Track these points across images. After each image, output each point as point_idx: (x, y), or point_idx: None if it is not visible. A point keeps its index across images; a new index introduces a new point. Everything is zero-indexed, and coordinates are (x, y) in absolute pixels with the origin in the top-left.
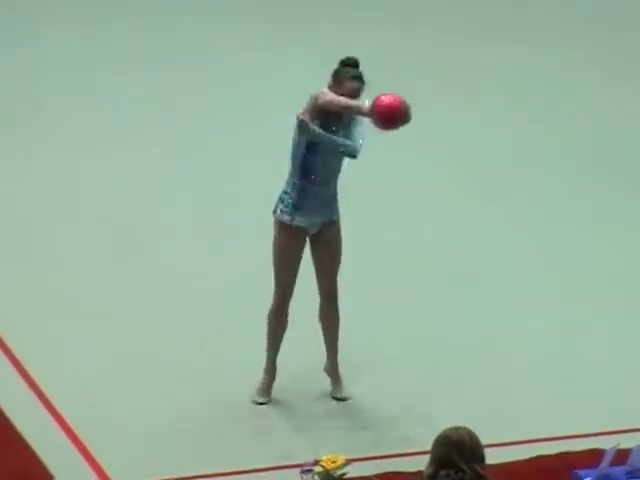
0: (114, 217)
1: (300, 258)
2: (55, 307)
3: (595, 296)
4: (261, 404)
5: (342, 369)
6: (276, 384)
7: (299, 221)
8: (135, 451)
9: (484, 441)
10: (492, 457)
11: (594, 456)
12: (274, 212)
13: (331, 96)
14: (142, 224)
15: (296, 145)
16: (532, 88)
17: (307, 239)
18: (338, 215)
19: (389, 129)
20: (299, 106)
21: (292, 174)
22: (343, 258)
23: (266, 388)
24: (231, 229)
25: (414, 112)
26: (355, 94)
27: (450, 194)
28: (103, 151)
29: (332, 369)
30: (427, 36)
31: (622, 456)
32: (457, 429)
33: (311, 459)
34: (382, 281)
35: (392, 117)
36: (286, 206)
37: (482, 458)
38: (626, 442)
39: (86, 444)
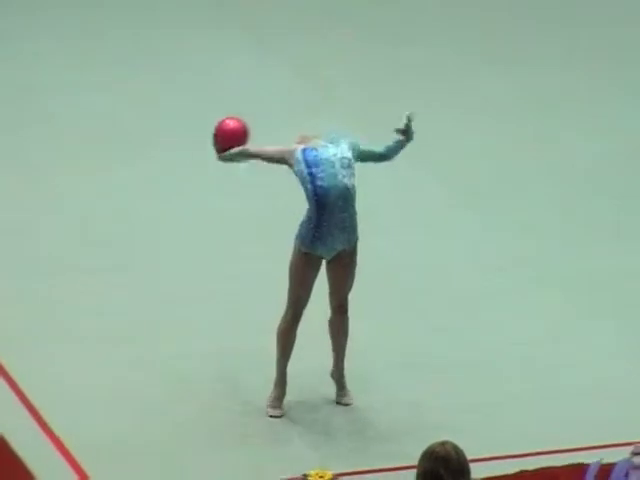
0: (109, 232)
1: (314, 281)
2: (47, 321)
3: (585, 312)
4: (275, 417)
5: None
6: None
7: (317, 250)
8: (133, 466)
9: (468, 455)
10: (476, 471)
11: (577, 471)
12: (295, 237)
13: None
14: (139, 238)
15: (299, 178)
16: (531, 110)
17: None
18: (357, 240)
19: (226, 149)
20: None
21: (309, 209)
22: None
23: (278, 401)
24: (230, 243)
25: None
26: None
27: (449, 213)
28: (99, 164)
29: (338, 377)
30: (420, 56)
31: (606, 471)
32: (443, 444)
33: (299, 474)
34: (383, 296)
35: (236, 139)
36: (305, 235)
37: (468, 472)
38: (610, 457)
39: (82, 462)
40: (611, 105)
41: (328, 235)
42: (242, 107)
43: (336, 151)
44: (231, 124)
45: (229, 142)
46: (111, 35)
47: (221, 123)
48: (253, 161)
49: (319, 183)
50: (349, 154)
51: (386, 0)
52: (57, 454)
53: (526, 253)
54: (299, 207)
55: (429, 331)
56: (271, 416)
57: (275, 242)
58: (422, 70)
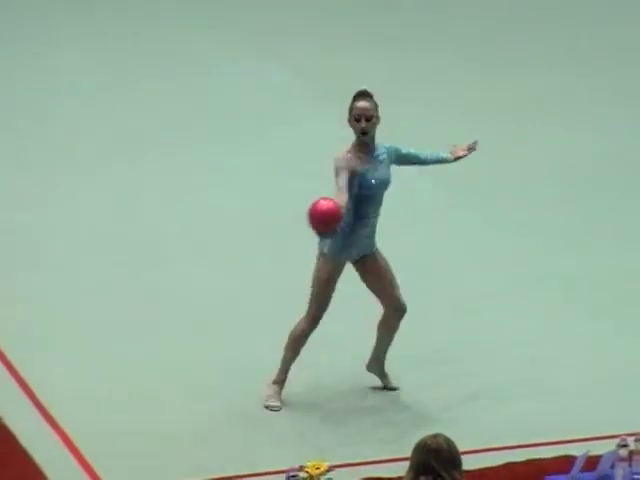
0: (109, 232)
1: (335, 287)
2: (56, 316)
3: (569, 307)
4: (273, 409)
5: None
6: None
7: (347, 255)
8: (137, 461)
9: (461, 447)
10: (468, 463)
11: (564, 462)
12: (323, 243)
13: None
14: (139, 238)
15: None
16: (531, 110)
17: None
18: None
19: (322, 232)
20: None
21: (347, 219)
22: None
23: (277, 395)
24: (230, 242)
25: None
26: (365, 112)
27: (449, 213)
28: (99, 164)
29: (381, 366)
30: (420, 57)
31: (592, 462)
32: (435, 436)
33: (297, 465)
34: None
35: (329, 221)
36: (334, 243)
37: (459, 464)
38: (596, 449)
39: (89, 456)
40: (611, 105)
41: (354, 244)
42: (242, 107)
43: (386, 175)
44: (325, 204)
45: (325, 222)
46: (112, 37)
47: (315, 205)
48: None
49: (363, 202)
50: (390, 172)
51: (387, 1)
52: (68, 453)
53: (526, 253)
54: (300, 206)
55: (428, 330)
56: (269, 407)
57: (276, 241)
58: (422, 70)
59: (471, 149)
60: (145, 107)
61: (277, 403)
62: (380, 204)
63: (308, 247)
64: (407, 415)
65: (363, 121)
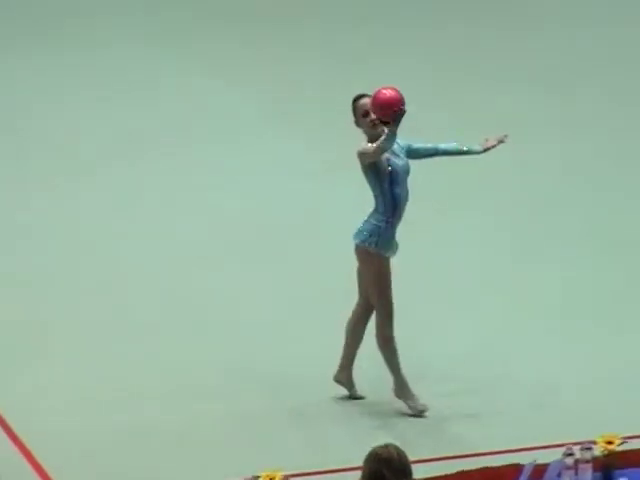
0: (109, 232)
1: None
2: (56, 316)
3: (569, 307)
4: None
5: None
6: (281, 394)
7: (393, 251)
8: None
9: (410, 457)
10: (417, 472)
11: (514, 471)
12: (366, 243)
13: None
14: (146, 236)
15: (377, 182)
16: (530, 111)
17: None
18: None
19: (389, 117)
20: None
21: (384, 212)
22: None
23: (413, 399)
24: (235, 242)
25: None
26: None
27: (448, 213)
28: (104, 167)
29: (349, 373)
30: (420, 60)
31: (540, 471)
32: (386, 446)
33: (250, 475)
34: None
35: (390, 107)
36: (383, 241)
37: (410, 473)
38: (543, 457)
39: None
40: (611, 105)
41: (394, 237)
42: (242, 107)
43: (405, 161)
44: (387, 93)
45: (385, 110)
46: (112, 37)
47: (377, 93)
48: None
49: (397, 190)
50: (409, 162)
51: (387, 11)
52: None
53: (526, 253)
54: (298, 207)
55: (427, 330)
56: (421, 413)
57: (276, 241)
58: (422, 71)
59: (500, 141)
60: (145, 107)
61: (416, 404)
62: (408, 192)
63: (308, 247)
64: (370, 423)
65: (371, 114)
